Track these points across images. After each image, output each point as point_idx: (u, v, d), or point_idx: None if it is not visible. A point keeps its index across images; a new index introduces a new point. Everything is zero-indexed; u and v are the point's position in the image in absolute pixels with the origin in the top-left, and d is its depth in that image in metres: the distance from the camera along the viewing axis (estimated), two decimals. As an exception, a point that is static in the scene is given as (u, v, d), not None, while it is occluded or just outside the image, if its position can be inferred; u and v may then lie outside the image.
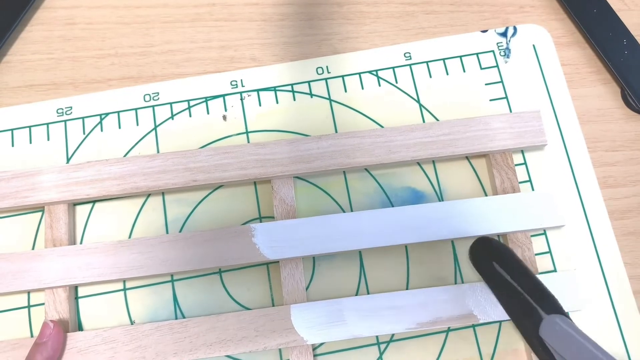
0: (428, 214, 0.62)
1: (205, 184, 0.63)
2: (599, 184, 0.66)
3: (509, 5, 0.73)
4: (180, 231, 0.64)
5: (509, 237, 0.62)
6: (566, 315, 0.53)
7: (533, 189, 0.65)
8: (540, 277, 0.58)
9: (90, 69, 0.71)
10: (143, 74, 0.71)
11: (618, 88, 0.70)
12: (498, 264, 0.57)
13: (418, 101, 0.69)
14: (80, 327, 0.62)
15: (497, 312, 0.59)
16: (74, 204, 0.65)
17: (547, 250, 0.64)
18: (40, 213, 0.65)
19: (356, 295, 0.62)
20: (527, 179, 0.66)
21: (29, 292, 0.63)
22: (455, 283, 0.63)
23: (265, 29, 0.73)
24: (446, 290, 0.60)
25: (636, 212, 0.66)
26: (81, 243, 0.64)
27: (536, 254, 0.63)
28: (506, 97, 0.69)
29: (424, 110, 0.68)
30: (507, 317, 0.58)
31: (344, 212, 0.65)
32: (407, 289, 0.62)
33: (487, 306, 0.59)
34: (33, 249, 0.64)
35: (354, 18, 0.73)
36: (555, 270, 0.63)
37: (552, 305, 0.53)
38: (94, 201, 0.65)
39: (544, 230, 0.64)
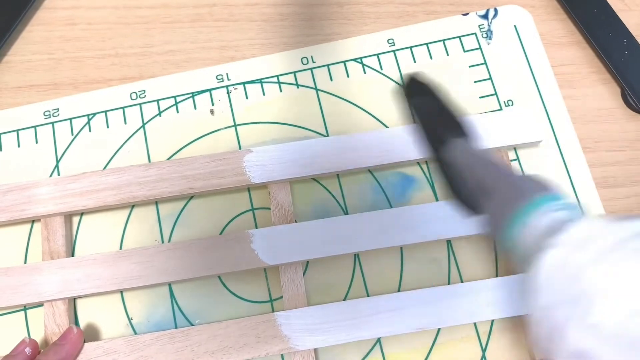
0: (425, 214, 0.58)
1: (201, 192, 0.59)
2: (598, 182, 0.62)
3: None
4: (174, 226, 0.61)
5: None
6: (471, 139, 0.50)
7: None
8: None
9: (91, 69, 0.66)
10: (143, 74, 0.66)
11: (618, 88, 0.66)
12: (425, 97, 0.54)
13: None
14: (76, 324, 0.58)
15: (494, 311, 0.55)
16: (70, 216, 0.61)
17: None
18: (29, 224, 0.61)
19: (351, 282, 0.59)
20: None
21: (25, 306, 0.58)
22: (449, 264, 0.59)
23: (265, 30, 0.68)
24: (445, 290, 0.56)
25: (636, 212, 0.62)
26: (75, 241, 0.60)
27: None
28: (490, 78, 0.65)
29: None
30: (504, 315, 0.55)
31: (335, 200, 0.61)
32: (401, 271, 0.59)
33: (484, 306, 0.55)
34: (25, 261, 0.60)
35: (354, 18, 0.68)
36: None
37: (460, 131, 0.50)
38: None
39: None
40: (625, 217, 0.34)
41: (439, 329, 0.57)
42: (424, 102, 0.53)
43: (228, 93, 0.65)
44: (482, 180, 0.44)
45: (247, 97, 0.65)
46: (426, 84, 0.55)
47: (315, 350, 0.55)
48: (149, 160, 0.62)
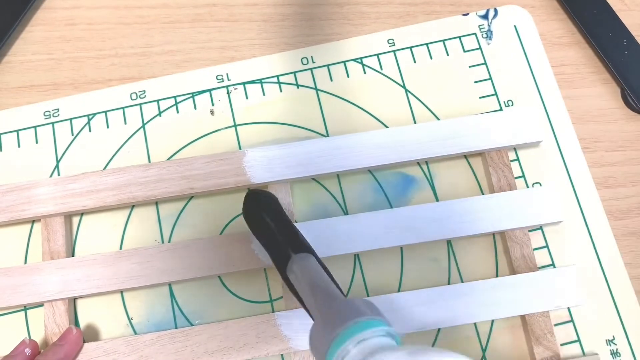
0: (426, 214, 0.58)
1: (201, 192, 0.59)
2: (598, 182, 0.62)
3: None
4: (174, 226, 0.60)
5: (507, 235, 0.58)
6: (315, 255, 0.48)
7: (526, 183, 0.62)
8: (540, 272, 0.56)
9: (91, 70, 0.66)
10: (143, 74, 0.66)
11: (618, 88, 0.66)
12: (265, 214, 0.51)
13: (404, 86, 0.65)
14: (76, 324, 0.58)
15: (494, 311, 0.55)
16: (70, 216, 0.60)
17: (545, 245, 0.60)
18: (29, 225, 0.61)
19: (351, 282, 0.59)
20: (520, 174, 0.62)
21: (25, 306, 0.58)
22: (449, 264, 0.59)
23: (265, 30, 0.68)
24: (445, 290, 0.56)
25: (636, 212, 0.62)
26: (75, 242, 0.60)
27: (535, 249, 0.59)
28: (490, 79, 0.65)
29: (409, 95, 0.64)
30: (504, 315, 0.55)
31: (335, 200, 0.61)
32: (401, 271, 0.59)
33: (484, 306, 0.55)
34: (25, 261, 0.60)
35: (354, 18, 0.68)
36: (553, 266, 0.59)
37: (302, 247, 0.48)
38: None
39: (541, 227, 0.60)
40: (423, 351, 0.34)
41: (439, 329, 0.57)
42: (263, 220, 0.50)
43: (228, 93, 0.64)
44: (309, 306, 0.44)
45: (247, 97, 0.64)
46: (263, 200, 0.52)
47: (316, 350, 0.55)
48: (149, 161, 0.62)
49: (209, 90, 0.65)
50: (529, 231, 0.59)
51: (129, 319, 0.57)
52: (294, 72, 0.65)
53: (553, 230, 0.60)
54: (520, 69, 0.65)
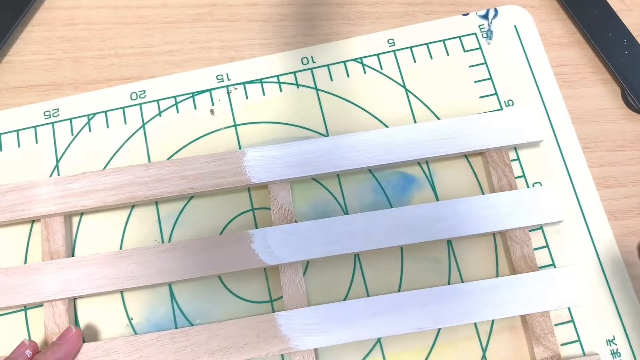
0: (426, 214, 0.57)
1: (201, 192, 0.58)
2: (598, 182, 0.62)
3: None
4: (174, 226, 0.60)
5: (507, 234, 0.58)
6: None
7: (527, 183, 0.62)
8: (540, 272, 0.56)
9: (91, 70, 0.66)
10: (143, 74, 0.66)
11: (618, 88, 0.66)
12: None
13: (404, 86, 0.65)
14: (76, 324, 0.58)
15: (494, 311, 0.55)
16: (70, 216, 0.60)
17: (545, 245, 0.60)
18: (29, 224, 0.61)
19: (351, 282, 0.59)
20: (521, 173, 0.62)
21: (25, 306, 0.58)
22: (449, 264, 0.59)
23: (265, 30, 0.68)
24: (445, 290, 0.56)
25: (636, 212, 0.62)
26: (75, 241, 0.60)
27: (535, 248, 0.59)
28: (490, 78, 0.65)
29: (410, 95, 0.64)
30: (504, 315, 0.55)
31: (335, 199, 0.61)
32: (401, 271, 0.59)
33: (484, 306, 0.55)
34: (25, 261, 0.60)
35: (354, 18, 0.68)
36: (554, 266, 0.59)
37: None
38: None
39: (541, 226, 0.60)
40: None
41: (439, 329, 0.57)
42: None
43: (228, 93, 0.64)
44: None
45: (247, 97, 0.64)
46: None
47: (315, 350, 0.55)
48: (149, 160, 0.62)
49: (209, 90, 0.65)
50: (529, 231, 0.59)
51: (129, 319, 0.57)
52: (294, 72, 0.65)
53: (553, 230, 0.60)
54: (521, 69, 0.65)
